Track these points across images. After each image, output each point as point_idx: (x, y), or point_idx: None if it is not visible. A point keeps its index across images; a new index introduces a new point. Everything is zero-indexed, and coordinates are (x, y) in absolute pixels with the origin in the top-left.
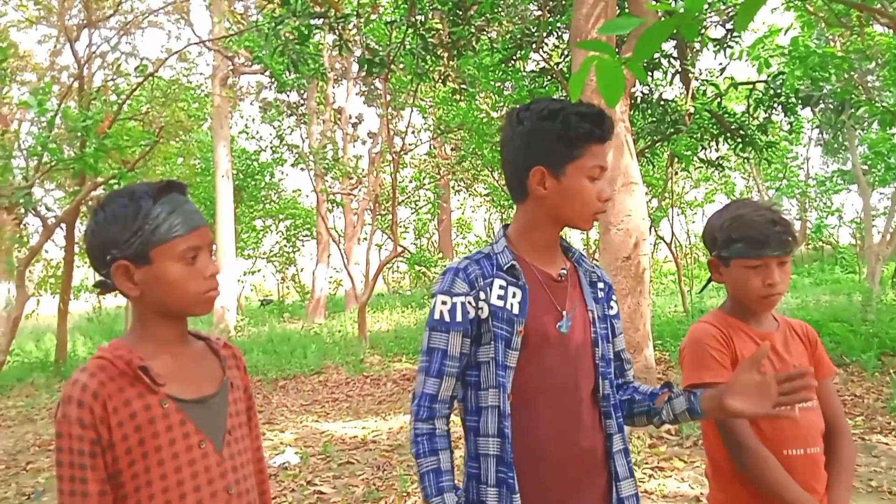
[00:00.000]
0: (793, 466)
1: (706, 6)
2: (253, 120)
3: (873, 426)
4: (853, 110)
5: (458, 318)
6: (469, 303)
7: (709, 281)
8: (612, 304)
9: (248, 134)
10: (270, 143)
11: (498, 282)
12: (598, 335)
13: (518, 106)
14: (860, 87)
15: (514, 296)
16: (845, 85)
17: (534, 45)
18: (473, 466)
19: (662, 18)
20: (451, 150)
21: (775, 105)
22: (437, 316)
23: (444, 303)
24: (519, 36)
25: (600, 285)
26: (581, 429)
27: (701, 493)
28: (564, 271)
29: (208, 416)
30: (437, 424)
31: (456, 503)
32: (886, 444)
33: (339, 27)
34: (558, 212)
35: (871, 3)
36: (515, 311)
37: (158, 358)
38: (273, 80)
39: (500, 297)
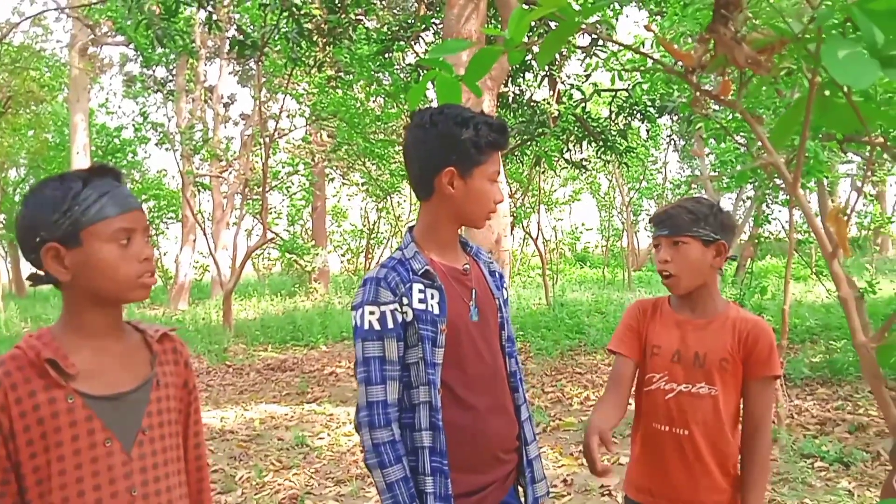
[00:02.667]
0: (655, 439)
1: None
2: (115, 94)
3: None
4: (695, 124)
5: (390, 325)
6: (396, 309)
7: None
8: (504, 291)
9: (107, 109)
10: (133, 119)
11: (416, 286)
12: (504, 319)
13: (426, 108)
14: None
15: (432, 297)
16: (687, 99)
17: (410, 39)
18: (412, 460)
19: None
20: (328, 136)
21: (635, 112)
22: (366, 326)
23: (371, 313)
24: (396, 28)
25: (496, 274)
26: (503, 404)
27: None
28: (468, 265)
29: (120, 413)
30: (394, 430)
31: None
32: None
33: (210, 5)
34: (461, 210)
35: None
36: (436, 311)
37: (79, 351)
38: (138, 53)
39: (420, 301)
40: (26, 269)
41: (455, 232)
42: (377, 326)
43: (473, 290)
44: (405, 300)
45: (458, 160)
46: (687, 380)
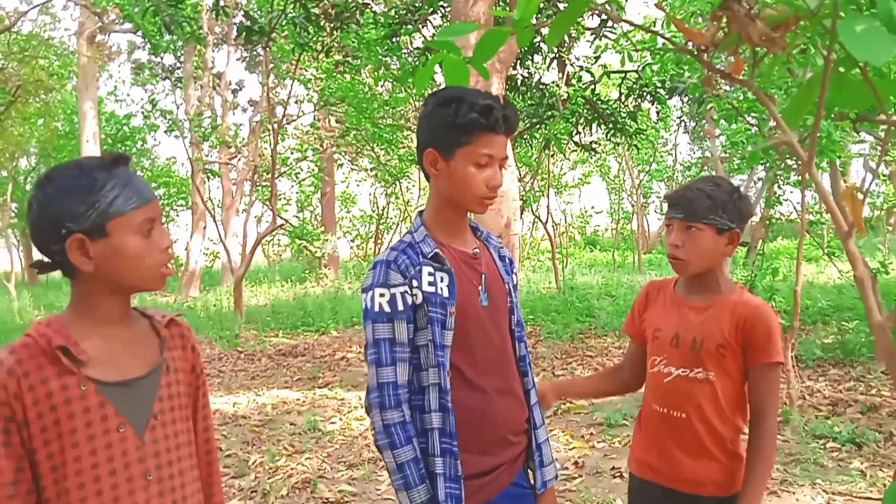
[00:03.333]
0: (654, 419)
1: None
2: (123, 82)
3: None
4: (706, 104)
5: (400, 307)
6: (406, 292)
7: None
8: (514, 276)
9: (116, 96)
10: (142, 107)
11: (426, 269)
12: (514, 304)
13: (435, 90)
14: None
15: (442, 280)
16: (698, 80)
17: (418, 23)
18: (422, 442)
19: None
20: (336, 122)
21: (645, 94)
22: (376, 308)
23: (382, 295)
24: (404, 12)
25: (507, 259)
26: (512, 387)
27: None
28: (477, 249)
29: (132, 399)
30: (405, 411)
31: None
32: None
33: None
34: (449, 192)
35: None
36: (446, 294)
37: (90, 338)
38: (146, 40)
39: (430, 284)
40: (38, 257)
41: (461, 216)
42: (387, 308)
43: (483, 275)
44: (415, 283)
45: (437, 141)
46: (684, 364)
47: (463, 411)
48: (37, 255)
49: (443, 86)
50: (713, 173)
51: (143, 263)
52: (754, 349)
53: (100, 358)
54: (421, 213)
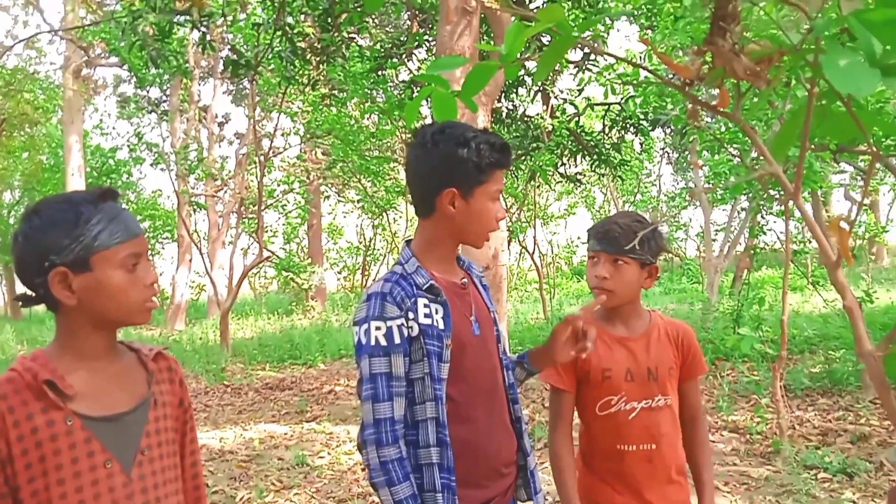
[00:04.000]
0: (623, 460)
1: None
2: (109, 115)
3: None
4: (689, 136)
5: (397, 340)
6: (403, 324)
7: None
8: (491, 302)
9: (102, 130)
10: (128, 140)
11: (421, 301)
12: (500, 332)
13: (428, 126)
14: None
15: (437, 312)
16: (680, 112)
17: (403, 56)
18: (416, 477)
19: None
20: (322, 154)
21: (628, 126)
22: (372, 342)
23: (378, 328)
24: (389, 45)
25: (486, 289)
26: (503, 418)
27: (548, 492)
28: (465, 279)
29: (119, 434)
30: (402, 447)
31: None
32: (713, 441)
33: (204, 25)
34: (463, 229)
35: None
36: (441, 326)
37: (76, 372)
38: (132, 74)
39: (426, 316)
40: (22, 291)
41: (454, 248)
42: (384, 342)
43: (472, 305)
44: (411, 315)
45: (459, 181)
46: (644, 396)
47: (457, 444)
48: (21, 288)
49: (435, 122)
50: (696, 204)
51: (126, 298)
52: (692, 364)
53: (86, 392)
54: (409, 242)
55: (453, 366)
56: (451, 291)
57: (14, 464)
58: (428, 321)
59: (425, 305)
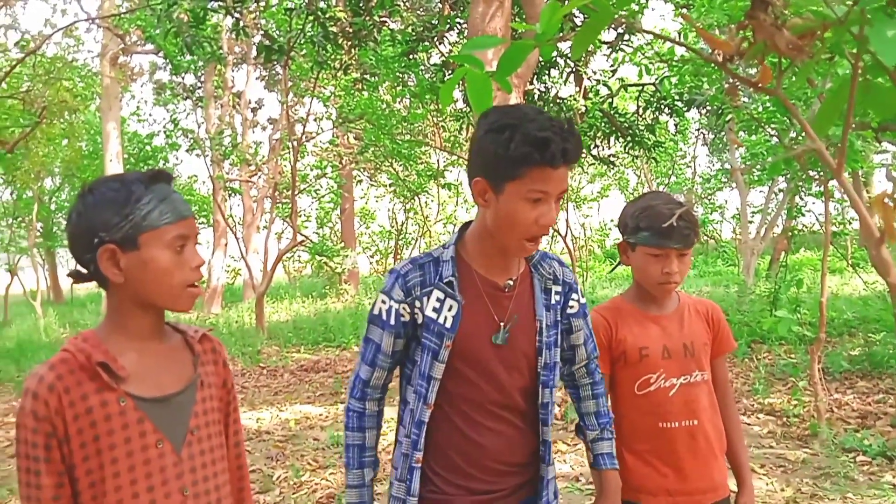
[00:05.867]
0: (666, 438)
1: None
2: (146, 102)
3: (738, 408)
4: (726, 116)
5: (392, 321)
6: (404, 308)
7: (618, 263)
8: (572, 301)
9: (139, 116)
10: (164, 126)
11: (436, 293)
12: (544, 343)
13: (492, 109)
14: (733, 94)
15: (449, 309)
16: (717, 92)
17: (435, 39)
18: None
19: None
20: (355, 139)
21: (662, 107)
22: (376, 311)
23: (383, 302)
24: (420, 29)
25: (556, 289)
26: (510, 435)
27: (580, 474)
28: (511, 281)
29: (169, 415)
30: (368, 406)
31: (372, 479)
32: (748, 424)
33: (237, 11)
34: (493, 228)
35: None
36: (447, 324)
37: (126, 353)
38: (168, 61)
39: (434, 310)
40: (63, 276)
41: (498, 246)
42: (383, 317)
43: (510, 310)
44: (417, 303)
45: (487, 171)
46: (683, 371)
47: (444, 437)
48: (62, 271)
49: (497, 104)
50: (733, 185)
51: (171, 279)
52: (722, 340)
53: (137, 373)
54: (466, 226)
55: (455, 369)
56: (484, 291)
57: (70, 443)
58: (433, 315)
59: (438, 299)
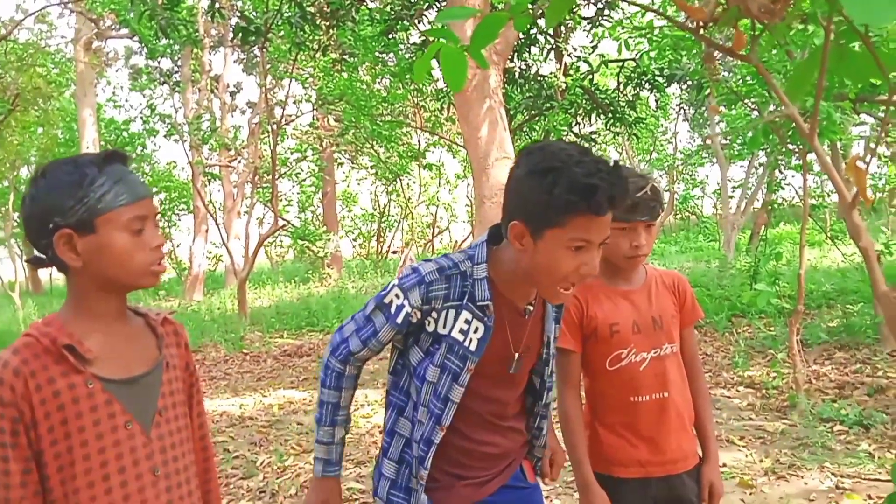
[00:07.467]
0: (637, 411)
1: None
2: (122, 87)
3: (718, 381)
4: (705, 90)
5: (399, 319)
6: (416, 312)
7: None
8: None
9: (115, 102)
10: (141, 112)
11: (465, 314)
12: (550, 355)
13: (535, 144)
14: (713, 68)
15: (475, 331)
16: (696, 66)
17: (414, 18)
18: (405, 452)
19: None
20: (335, 121)
21: (643, 82)
22: (387, 300)
23: (397, 297)
24: (399, 7)
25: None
26: (509, 445)
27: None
28: (531, 306)
29: (137, 396)
30: (348, 369)
31: (342, 437)
32: (728, 396)
33: None
34: (528, 271)
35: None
36: (472, 347)
37: (91, 335)
38: (143, 45)
39: (461, 331)
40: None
41: (526, 282)
42: (392, 310)
43: (525, 338)
44: (434, 315)
45: (526, 215)
46: (653, 345)
47: (444, 438)
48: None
49: (544, 142)
50: (714, 161)
51: (131, 261)
52: (689, 310)
53: (103, 355)
54: (493, 237)
55: (468, 393)
56: (506, 315)
57: (38, 428)
58: (460, 336)
59: (466, 321)
